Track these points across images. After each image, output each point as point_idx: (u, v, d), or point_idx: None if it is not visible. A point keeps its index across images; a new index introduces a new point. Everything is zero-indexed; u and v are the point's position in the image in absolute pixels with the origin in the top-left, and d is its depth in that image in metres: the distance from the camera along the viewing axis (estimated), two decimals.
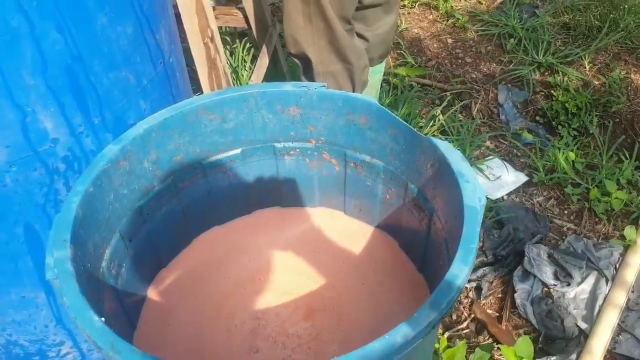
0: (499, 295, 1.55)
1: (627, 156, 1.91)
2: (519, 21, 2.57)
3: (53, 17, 0.79)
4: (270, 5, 2.41)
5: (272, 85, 0.91)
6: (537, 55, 2.37)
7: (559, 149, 1.92)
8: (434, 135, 1.96)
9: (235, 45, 2.16)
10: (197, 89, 1.65)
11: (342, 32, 1.51)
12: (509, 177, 1.87)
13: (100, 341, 0.58)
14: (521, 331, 1.46)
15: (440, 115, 2.05)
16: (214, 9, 1.75)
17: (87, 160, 0.93)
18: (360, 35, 1.68)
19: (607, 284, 1.51)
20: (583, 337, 1.41)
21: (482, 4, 2.82)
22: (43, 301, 1.01)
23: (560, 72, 2.29)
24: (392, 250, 1.00)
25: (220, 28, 1.94)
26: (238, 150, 0.96)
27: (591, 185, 1.81)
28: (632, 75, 2.29)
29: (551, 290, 1.51)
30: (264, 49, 1.92)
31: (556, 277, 1.53)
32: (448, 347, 1.34)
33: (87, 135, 0.91)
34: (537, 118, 2.15)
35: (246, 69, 2.13)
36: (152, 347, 0.86)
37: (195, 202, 0.97)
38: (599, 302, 1.47)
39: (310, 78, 1.62)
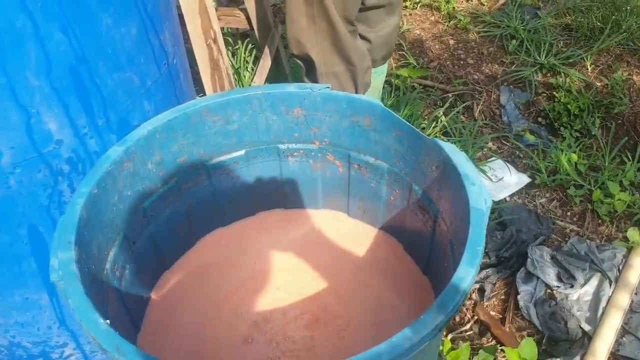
0: (502, 297, 1.55)
1: (630, 158, 1.91)
2: (521, 22, 2.56)
3: (57, 18, 0.79)
4: (272, 6, 2.41)
5: (276, 87, 0.91)
6: (539, 57, 2.36)
7: (562, 151, 1.92)
8: (436, 137, 1.96)
9: (237, 47, 2.16)
10: (200, 90, 1.64)
11: (345, 34, 1.51)
12: (511, 179, 1.87)
13: (106, 343, 0.58)
14: (524, 333, 1.45)
15: (443, 117, 2.05)
16: (216, 9, 1.74)
17: (91, 161, 0.93)
18: (363, 37, 1.68)
19: (610, 286, 1.50)
20: (587, 339, 1.41)
21: (484, 5, 2.81)
22: (46, 303, 1.01)
23: (563, 74, 2.29)
24: (396, 252, 0.99)
25: (222, 29, 1.94)
26: (242, 152, 0.96)
27: (594, 186, 1.81)
28: (635, 77, 2.29)
29: (554, 292, 1.50)
30: (266, 50, 1.92)
31: (559, 279, 1.52)
32: (452, 349, 1.34)
33: (92, 137, 0.91)
34: (540, 119, 2.15)
35: (248, 70, 2.12)
36: (156, 348, 0.86)
37: (199, 204, 0.97)
38: (603, 304, 1.47)
39: (313, 79, 1.62)
